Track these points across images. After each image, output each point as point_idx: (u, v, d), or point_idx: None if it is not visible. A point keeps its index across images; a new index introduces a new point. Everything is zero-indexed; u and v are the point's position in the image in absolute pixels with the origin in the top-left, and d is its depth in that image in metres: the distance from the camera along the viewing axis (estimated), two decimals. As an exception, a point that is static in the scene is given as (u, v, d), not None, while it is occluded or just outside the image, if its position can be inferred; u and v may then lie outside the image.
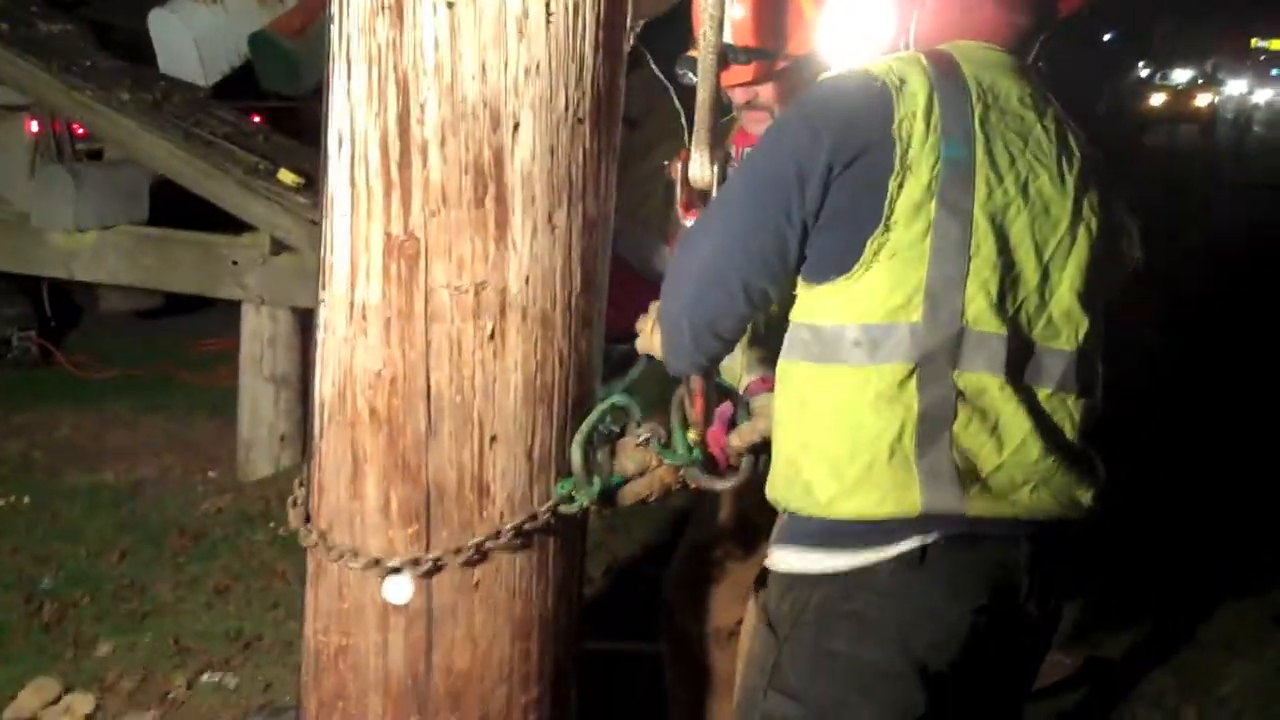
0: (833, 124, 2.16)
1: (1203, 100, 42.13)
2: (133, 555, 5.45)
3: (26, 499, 6.01)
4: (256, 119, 7.73)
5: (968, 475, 2.17)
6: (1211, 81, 44.04)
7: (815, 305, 2.23)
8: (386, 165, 2.37)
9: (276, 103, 8.05)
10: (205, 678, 4.46)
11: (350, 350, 2.47)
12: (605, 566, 5.20)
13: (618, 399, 2.58)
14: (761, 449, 2.54)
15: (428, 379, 2.43)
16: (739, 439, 2.57)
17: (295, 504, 2.66)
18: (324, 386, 2.55)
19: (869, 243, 2.14)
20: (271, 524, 5.66)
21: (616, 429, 2.62)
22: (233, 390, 6.56)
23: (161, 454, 6.66)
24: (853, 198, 2.15)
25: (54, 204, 7.02)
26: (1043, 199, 2.21)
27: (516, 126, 2.34)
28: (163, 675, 4.46)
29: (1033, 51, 2.37)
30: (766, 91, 2.95)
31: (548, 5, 2.31)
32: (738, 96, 2.97)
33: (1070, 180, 2.24)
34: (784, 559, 2.35)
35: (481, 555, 2.49)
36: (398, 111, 2.35)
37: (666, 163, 2.62)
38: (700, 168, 2.54)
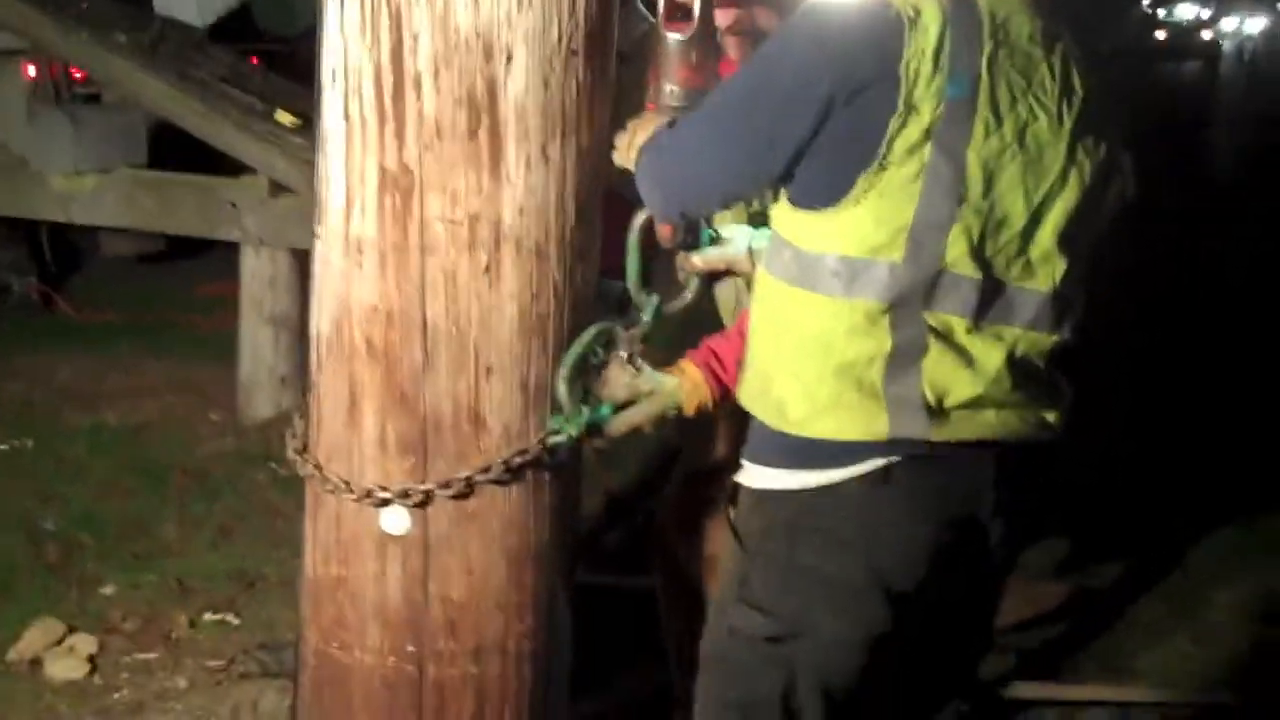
0: (841, 53, 2.11)
1: (1207, 36, 42.06)
2: (136, 496, 5.47)
3: (30, 442, 6.01)
4: (254, 60, 7.70)
5: (937, 405, 2.18)
6: (1216, 17, 43.89)
7: (798, 227, 2.23)
8: (380, 98, 2.38)
9: (273, 44, 8.01)
10: (208, 616, 4.49)
11: (346, 284, 2.49)
12: (600, 501, 5.22)
13: (600, 327, 2.58)
14: (720, 275, 2.63)
15: (424, 312, 2.45)
16: (702, 260, 2.63)
17: (294, 435, 2.68)
18: (321, 321, 2.57)
19: (860, 179, 2.11)
20: (273, 465, 5.67)
21: (606, 358, 2.62)
22: (234, 334, 6.57)
23: (162, 396, 6.66)
24: (850, 132, 2.12)
25: (52, 147, 7.01)
26: (1038, 144, 2.18)
27: (509, 58, 2.35)
28: (166, 615, 4.49)
29: None
30: (749, 15, 2.94)
31: (539, -64, 2.31)
32: (721, 19, 2.97)
33: (1068, 121, 2.21)
34: (754, 475, 2.38)
35: (470, 488, 2.51)
36: (391, 44, 2.35)
37: None
38: None
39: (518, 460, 2.51)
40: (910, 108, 2.08)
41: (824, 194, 2.17)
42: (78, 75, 7.72)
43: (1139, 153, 2.39)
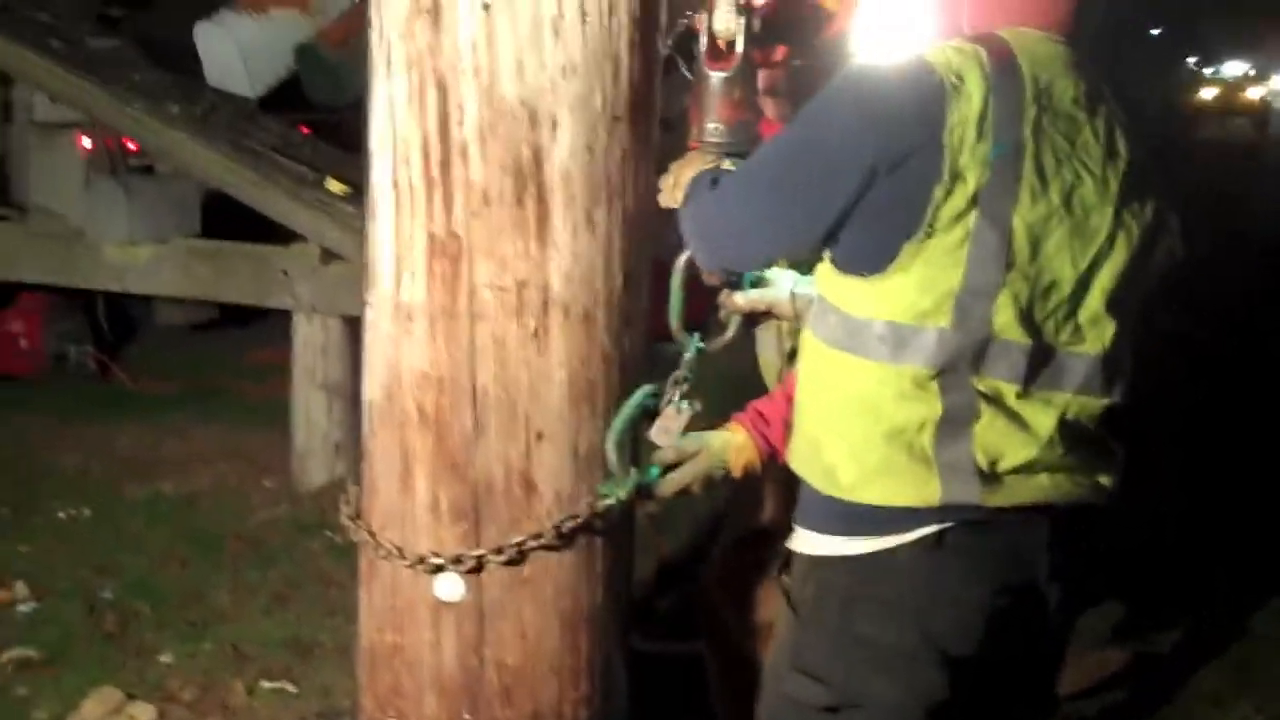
0: (884, 121, 2.09)
1: (1254, 93, 41.71)
2: (192, 565, 5.48)
3: (87, 511, 6.04)
4: (303, 130, 7.78)
5: (989, 470, 2.16)
6: (1265, 73, 43.58)
7: (843, 291, 2.22)
8: (428, 166, 2.41)
9: (322, 114, 8.10)
10: (265, 685, 4.48)
11: (397, 351, 2.51)
12: (652, 566, 5.21)
13: (648, 389, 2.59)
14: (761, 316, 2.66)
15: (473, 378, 2.46)
16: (744, 300, 2.64)
17: (347, 502, 2.69)
18: (372, 387, 2.59)
19: (906, 246, 2.10)
20: (328, 532, 5.67)
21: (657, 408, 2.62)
22: (287, 401, 6.59)
23: (217, 465, 6.68)
24: (893, 200, 2.10)
25: (107, 217, 7.11)
26: (1084, 207, 2.15)
27: (555, 125, 2.37)
28: (223, 683, 4.48)
29: (1087, 30, 2.25)
30: (785, 73, 2.94)
31: (583, 6, 2.34)
32: (761, 82, 2.97)
33: (1114, 185, 2.19)
34: (806, 541, 2.36)
35: (522, 554, 2.51)
36: (438, 114, 2.38)
37: (690, 14, 2.59)
38: (725, 18, 2.53)
39: (569, 525, 2.51)
40: (955, 175, 2.06)
41: (869, 261, 2.15)
42: (132, 147, 7.80)
43: (1185, 213, 2.36)
